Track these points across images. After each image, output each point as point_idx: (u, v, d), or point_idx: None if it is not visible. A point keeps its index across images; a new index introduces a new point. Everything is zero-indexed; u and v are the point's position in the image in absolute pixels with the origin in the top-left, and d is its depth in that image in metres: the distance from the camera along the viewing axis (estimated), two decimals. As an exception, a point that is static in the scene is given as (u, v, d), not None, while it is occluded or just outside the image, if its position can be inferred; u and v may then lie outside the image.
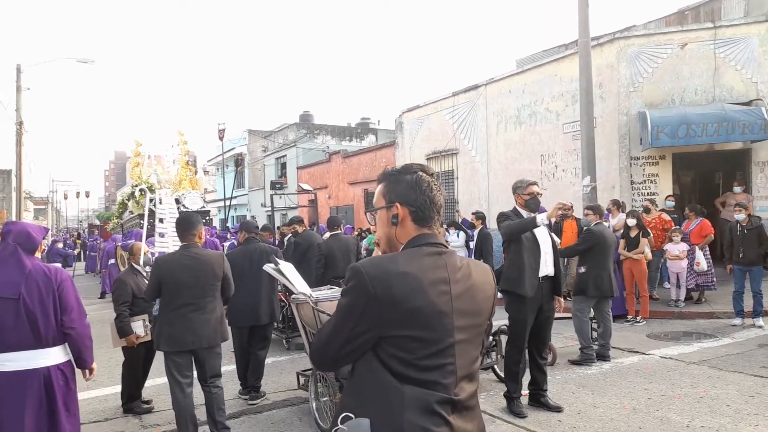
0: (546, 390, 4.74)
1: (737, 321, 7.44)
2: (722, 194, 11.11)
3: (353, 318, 1.46)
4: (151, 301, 4.26)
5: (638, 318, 7.99)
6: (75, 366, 3.10)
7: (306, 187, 15.65)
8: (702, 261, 8.47)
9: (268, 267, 4.10)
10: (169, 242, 8.64)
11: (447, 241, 10.99)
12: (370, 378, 1.47)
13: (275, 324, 6.11)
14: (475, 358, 1.57)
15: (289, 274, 4.00)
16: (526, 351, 4.77)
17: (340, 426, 1.43)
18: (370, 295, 1.44)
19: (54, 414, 2.87)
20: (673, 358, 6.08)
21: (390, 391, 1.43)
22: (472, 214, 9.54)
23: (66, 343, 2.99)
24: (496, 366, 5.45)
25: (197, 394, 4.15)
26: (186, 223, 4.16)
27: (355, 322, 1.46)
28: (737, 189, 9.96)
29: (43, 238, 3.24)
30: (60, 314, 2.91)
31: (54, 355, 2.91)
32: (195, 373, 4.13)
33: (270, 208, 15.56)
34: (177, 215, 12.67)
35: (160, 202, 11.34)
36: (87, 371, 3.17)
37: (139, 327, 4.83)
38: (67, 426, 2.91)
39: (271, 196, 15.40)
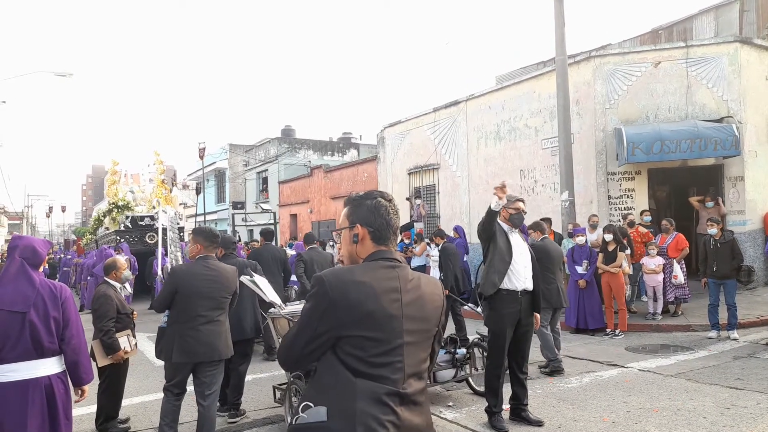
0: (527, 404, 4.77)
1: (713, 333, 7.58)
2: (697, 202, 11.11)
3: (315, 319, 1.66)
4: (160, 312, 4.19)
5: (616, 331, 8.09)
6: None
7: (265, 206, 16.32)
8: (679, 274, 8.65)
9: (245, 278, 4.20)
10: (175, 252, 8.61)
11: (429, 255, 11.11)
12: (329, 373, 1.66)
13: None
14: (423, 359, 1.77)
15: (263, 285, 4.07)
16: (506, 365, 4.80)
17: (300, 414, 1.64)
18: (330, 300, 1.64)
19: (55, 421, 2.96)
20: (651, 371, 6.16)
21: (345, 384, 1.62)
22: (433, 234, 9.65)
23: (62, 354, 3.06)
24: (470, 378, 5.53)
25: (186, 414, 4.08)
26: (210, 235, 4.20)
27: (317, 323, 1.66)
28: (709, 204, 10.19)
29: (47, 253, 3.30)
30: (62, 330, 3.01)
31: (52, 365, 3.00)
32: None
33: (249, 223, 15.63)
34: (175, 227, 12.56)
35: (165, 213, 11.23)
36: (80, 390, 3.20)
37: (125, 342, 4.76)
38: None
39: (232, 215, 16.01)
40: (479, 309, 7.32)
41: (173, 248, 10.45)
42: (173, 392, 4.03)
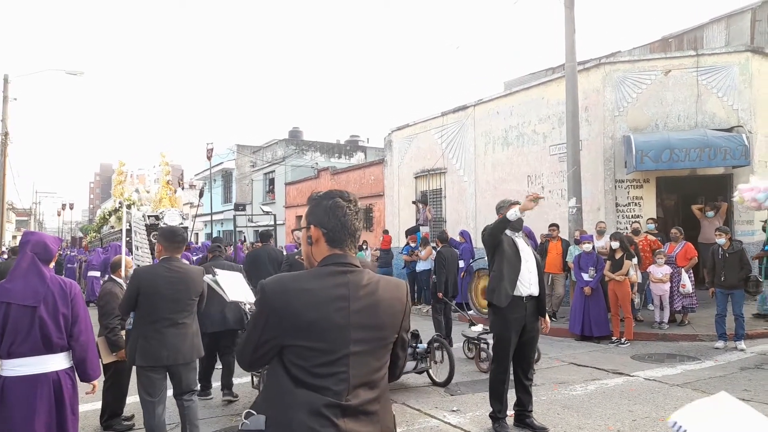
0: (531, 411, 4.74)
1: (720, 344, 7.52)
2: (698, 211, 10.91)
3: (259, 328, 1.65)
4: (125, 315, 4.12)
5: (623, 339, 8.05)
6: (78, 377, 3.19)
7: (267, 209, 16.84)
8: (687, 283, 8.59)
9: (207, 278, 4.04)
10: (142, 255, 8.75)
11: (417, 254, 11.13)
12: (274, 381, 1.65)
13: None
14: (376, 369, 1.70)
15: (227, 283, 3.91)
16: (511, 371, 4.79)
17: (244, 420, 1.62)
18: (271, 308, 1.62)
19: (62, 417, 2.98)
20: (657, 380, 6.12)
21: (286, 394, 1.60)
22: (437, 237, 9.60)
23: (70, 350, 3.08)
24: (430, 371, 6.13)
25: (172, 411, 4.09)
26: (170, 235, 4.07)
27: (261, 331, 1.64)
28: (710, 214, 10.08)
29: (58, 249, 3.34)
30: (71, 326, 3.03)
31: (61, 361, 3.03)
32: (170, 391, 4.07)
33: (255, 224, 15.78)
34: (144, 229, 12.71)
35: (129, 213, 11.42)
36: (90, 385, 3.22)
37: None
38: (71, 429, 3.03)
39: (234, 216, 16.37)
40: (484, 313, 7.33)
41: (141, 251, 10.55)
42: (150, 401, 3.90)
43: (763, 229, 8.86)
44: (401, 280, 1.89)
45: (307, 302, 1.60)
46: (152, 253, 11.39)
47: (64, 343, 3.01)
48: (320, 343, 1.60)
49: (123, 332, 4.76)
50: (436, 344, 6.21)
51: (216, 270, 3.79)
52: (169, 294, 3.85)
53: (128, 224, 16.09)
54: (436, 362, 6.17)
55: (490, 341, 6.65)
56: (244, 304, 3.92)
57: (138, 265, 9.98)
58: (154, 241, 15.89)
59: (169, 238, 4.04)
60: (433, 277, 8.44)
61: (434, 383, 6.09)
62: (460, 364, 6.92)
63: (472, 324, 7.24)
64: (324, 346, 1.60)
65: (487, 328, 6.94)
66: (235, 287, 4.00)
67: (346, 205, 1.75)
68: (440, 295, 8.09)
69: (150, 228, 16.07)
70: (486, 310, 8.68)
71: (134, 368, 4.06)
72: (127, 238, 10.89)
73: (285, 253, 9.03)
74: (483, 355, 6.74)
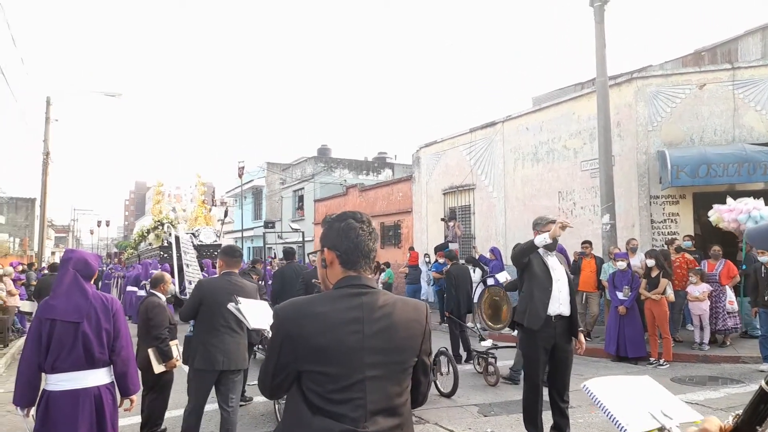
0: (568, 434, 4.61)
1: (765, 366, 7.21)
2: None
3: (275, 353, 1.63)
4: (187, 321, 4.52)
5: (661, 360, 7.80)
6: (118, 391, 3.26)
7: (294, 226, 17.51)
8: (734, 299, 8.31)
9: (231, 306, 4.14)
10: (192, 272, 9.05)
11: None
12: (292, 408, 1.63)
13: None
14: (396, 394, 1.64)
15: (249, 311, 4.02)
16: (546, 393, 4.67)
17: None
18: (285, 333, 1.61)
19: (103, 431, 3.03)
20: (699, 403, 5.90)
21: (303, 421, 1.57)
22: (443, 252, 9.53)
23: (111, 366, 3.16)
24: (437, 381, 6.41)
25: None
26: (231, 252, 4.53)
27: (277, 356, 1.63)
28: None
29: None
30: (112, 341, 3.11)
31: (102, 376, 3.10)
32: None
33: (285, 240, 16.03)
34: (193, 248, 13.13)
35: (177, 238, 11.90)
36: (128, 400, 3.28)
37: (175, 351, 5.00)
38: None
39: (264, 233, 16.96)
40: (514, 332, 7.34)
41: (191, 269, 10.88)
42: (199, 404, 4.22)
43: (741, 249, 8.64)
44: (420, 301, 1.83)
45: (320, 326, 1.58)
46: (201, 269, 11.79)
47: (105, 358, 3.08)
48: (333, 367, 1.56)
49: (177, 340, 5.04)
50: (442, 356, 6.50)
51: (239, 298, 3.97)
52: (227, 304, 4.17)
53: (169, 242, 16.70)
54: (441, 374, 6.45)
55: (498, 356, 6.96)
56: (267, 332, 3.98)
57: (190, 282, 10.45)
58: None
59: (229, 254, 4.51)
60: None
61: (441, 395, 6.32)
62: (473, 379, 7.14)
63: (482, 339, 7.25)
64: (338, 371, 1.56)
65: (497, 343, 7.18)
66: (257, 315, 4.10)
67: (359, 227, 1.73)
68: (447, 313, 8.22)
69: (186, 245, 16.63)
70: (497, 327, 8.63)
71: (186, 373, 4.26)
72: (172, 254, 11.26)
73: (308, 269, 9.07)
74: (491, 369, 6.90)
